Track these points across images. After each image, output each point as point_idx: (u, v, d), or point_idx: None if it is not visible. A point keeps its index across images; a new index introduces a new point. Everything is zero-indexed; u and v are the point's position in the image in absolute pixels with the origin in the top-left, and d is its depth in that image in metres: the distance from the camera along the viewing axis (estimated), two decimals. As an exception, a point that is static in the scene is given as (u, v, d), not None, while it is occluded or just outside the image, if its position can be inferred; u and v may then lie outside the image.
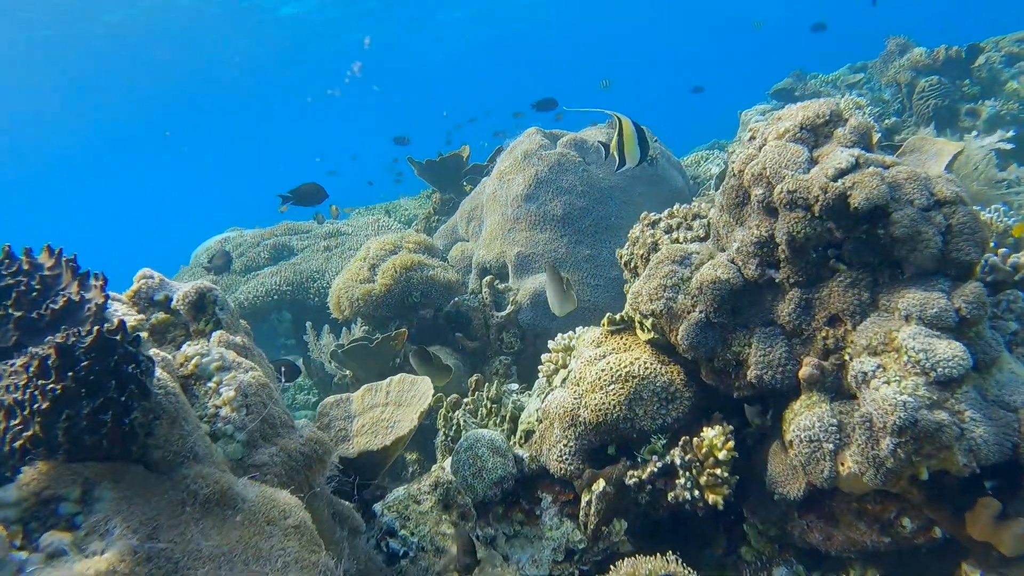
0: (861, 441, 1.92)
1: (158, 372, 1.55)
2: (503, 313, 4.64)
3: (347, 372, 4.70)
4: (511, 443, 2.85)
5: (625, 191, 4.98)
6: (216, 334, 2.06)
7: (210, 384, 1.85)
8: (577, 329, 3.10)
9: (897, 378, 1.88)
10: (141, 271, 2.30)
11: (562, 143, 5.03)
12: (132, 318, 1.77)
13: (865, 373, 1.95)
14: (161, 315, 2.22)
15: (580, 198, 4.80)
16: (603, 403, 2.33)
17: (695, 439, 2.30)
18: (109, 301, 1.88)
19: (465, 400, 3.43)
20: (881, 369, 1.92)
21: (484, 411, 3.08)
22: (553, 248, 4.72)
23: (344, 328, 5.21)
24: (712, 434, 2.25)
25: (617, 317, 2.56)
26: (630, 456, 2.38)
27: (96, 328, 1.37)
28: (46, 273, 1.69)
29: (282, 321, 8.15)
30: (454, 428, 3.07)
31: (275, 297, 5.97)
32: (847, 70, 8.51)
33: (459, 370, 4.51)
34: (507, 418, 2.98)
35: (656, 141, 5.76)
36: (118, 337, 1.39)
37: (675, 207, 2.86)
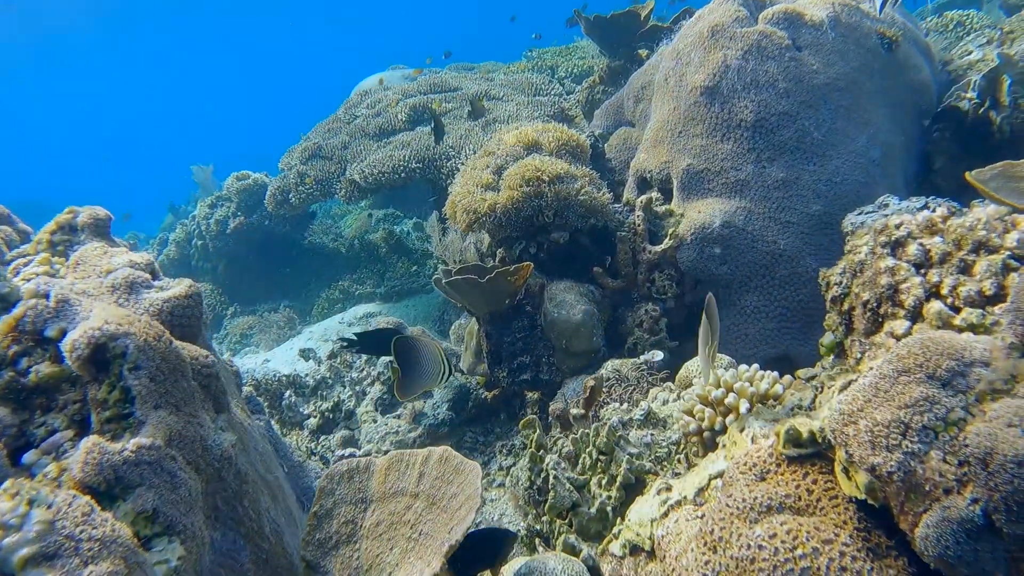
0: None
1: None
2: (658, 248, 3.54)
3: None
4: (612, 534, 1.90)
5: (847, 92, 3.51)
6: (82, 448, 1.21)
7: (10, 592, 1.03)
8: (741, 366, 2.01)
9: None
10: (29, 286, 1.47)
11: (765, 17, 3.60)
12: None
13: None
14: (47, 368, 1.41)
15: (781, 99, 3.44)
16: (752, 607, 1.31)
17: None
18: None
19: (575, 419, 2.50)
20: None
21: (587, 461, 2.13)
22: (735, 165, 3.46)
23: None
24: None
25: (804, 432, 1.43)
26: None
27: None
28: None
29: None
30: (542, 477, 2.16)
31: (402, 175, 5.11)
32: None
33: (593, 317, 3.53)
34: (617, 483, 2.02)
35: (903, 17, 4.11)
36: None
37: (937, 214, 1.57)
